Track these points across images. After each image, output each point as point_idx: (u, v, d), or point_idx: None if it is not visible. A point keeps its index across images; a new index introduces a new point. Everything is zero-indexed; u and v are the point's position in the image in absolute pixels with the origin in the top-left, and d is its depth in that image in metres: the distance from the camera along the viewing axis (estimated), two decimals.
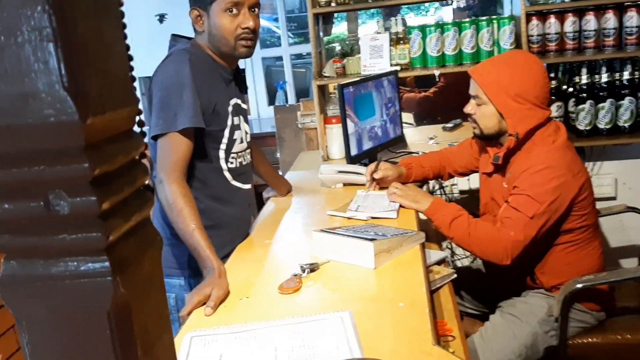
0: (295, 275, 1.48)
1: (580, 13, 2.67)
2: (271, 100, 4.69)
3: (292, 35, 5.86)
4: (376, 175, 2.13)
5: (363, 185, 2.24)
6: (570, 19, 2.66)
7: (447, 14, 7.12)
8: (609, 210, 2.55)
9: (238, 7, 1.65)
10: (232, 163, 1.78)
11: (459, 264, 2.98)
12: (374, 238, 1.52)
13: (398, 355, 1.10)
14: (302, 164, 2.87)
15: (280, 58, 4.73)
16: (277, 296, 1.40)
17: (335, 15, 4.36)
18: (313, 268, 1.51)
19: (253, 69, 4.63)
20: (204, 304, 1.36)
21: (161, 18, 4.50)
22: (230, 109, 1.76)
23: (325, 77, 2.84)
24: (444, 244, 3.00)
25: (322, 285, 1.44)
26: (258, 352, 1.15)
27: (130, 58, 0.60)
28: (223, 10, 1.65)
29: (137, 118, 0.60)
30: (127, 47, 0.60)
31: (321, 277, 1.49)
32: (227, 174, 1.78)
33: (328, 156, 2.82)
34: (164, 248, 1.61)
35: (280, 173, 3.02)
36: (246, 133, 1.85)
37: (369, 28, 4.82)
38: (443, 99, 3.38)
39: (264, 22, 6.39)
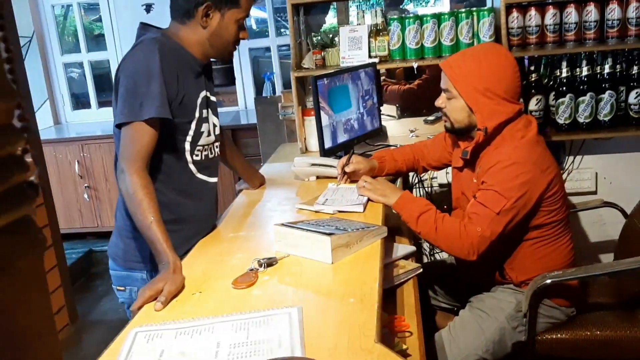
0: (252, 270, 1.46)
1: (561, 6, 2.64)
2: (258, 91, 4.66)
3: (286, 26, 5.81)
4: (347, 169, 2.11)
5: (335, 178, 2.22)
6: (550, 12, 2.63)
7: (446, 6, 7.06)
8: (585, 205, 2.54)
9: (244, 21, 1.74)
10: (197, 155, 1.76)
11: (438, 257, 2.97)
12: (332, 233, 1.50)
13: (339, 352, 1.08)
14: (281, 155, 2.85)
15: (268, 49, 4.70)
16: (230, 291, 1.39)
17: (333, 5, 4.34)
18: (270, 262, 1.49)
19: (240, 60, 4.60)
20: (156, 298, 1.35)
21: (148, 8, 4.46)
22: (199, 101, 1.73)
23: (304, 68, 2.81)
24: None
25: (278, 280, 1.43)
26: (200, 348, 1.14)
27: (9, 50, 0.58)
28: (236, 20, 1.69)
29: (18, 113, 0.58)
30: (5, 39, 0.58)
31: (278, 271, 1.47)
32: (192, 167, 1.76)
33: (306, 148, 2.80)
34: (126, 241, 1.59)
35: (262, 164, 3.00)
36: (214, 126, 1.83)
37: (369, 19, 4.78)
38: (427, 91, 3.35)
39: (259, 13, 6.35)
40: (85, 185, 4.26)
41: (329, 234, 1.48)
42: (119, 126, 1.59)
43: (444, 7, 7.66)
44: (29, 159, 0.63)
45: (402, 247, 1.96)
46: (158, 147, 1.63)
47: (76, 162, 4.23)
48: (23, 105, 0.59)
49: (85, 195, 4.27)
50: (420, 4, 9.69)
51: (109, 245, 1.82)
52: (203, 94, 1.77)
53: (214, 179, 1.86)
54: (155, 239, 1.48)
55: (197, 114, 1.72)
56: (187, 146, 1.72)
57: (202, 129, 1.75)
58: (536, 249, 1.94)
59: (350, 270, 1.45)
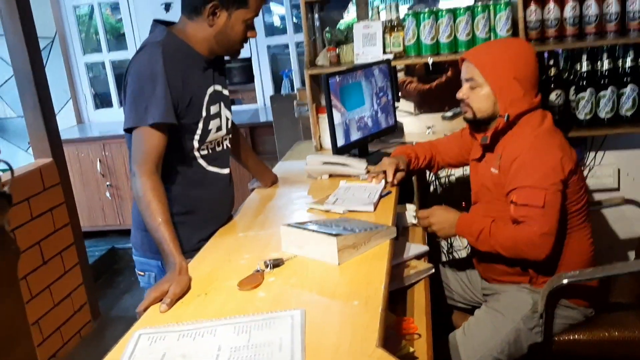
0: (258, 271, 1.46)
1: None
2: (277, 89, 4.66)
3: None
4: (389, 180, 2.08)
5: (348, 176, 2.21)
6: (570, 4, 2.56)
7: None
8: (608, 202, 2.48)
9: (252, 20, 1.73)
10: (204, 150, 1.77)
11: (456, 255, 2.93)
12: (339, 233, 1.49)
13: (339, 356, 1.07)
14: (296, 153, 2.84)
15: (287, 46, 4.69)
16: (236, 293, 1.38)
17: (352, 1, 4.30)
18: (277, 264, 1.49)
19: (259, 57, 4.60)
20: (162, 300, 1.35)
21: (167, 7, 4.49)
22: (206, 98, 1.73)
23: (319, 66, 2.80)
24: None
25: (283, 282, 1.42)
26: (201, 351, 1.14)
27: None
28: (244, 20, 1.68)
29: None
30: None
31: (284, 273, 1.46)
32: (202, 161, 1.78)
33: (321, 146, 2.79)
34: (142, 233, 1.62)
35: (278, 161, 3.00)
36: (227, 119, 1.83)
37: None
38: (446, 91, 3.29)
39: (280, 9, 6.33)
40: (107, 183, 4.32)
41: (336, 235, 1.47)
42: (127, 130, 1.61)
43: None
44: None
45: (415, 247, 1.94)
46: (167, 146, 1.64)
47: (98, 161, 4.29)
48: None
49: (107, 194, 4.33)
50: None
51: (131, 234, 1.87)
52: (211, 89, 1.77)
53: (225, 170, 1.87)
54: (163, 240, 1.50)
55: (204, 113, 1.72)
56: (195, 144, 1.74)
57: (209, 127, 1.76)
58: (557, 239, 1.91)
59: (357, 271, 1.43)
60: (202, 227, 1.78)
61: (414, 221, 2.14)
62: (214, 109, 1.77)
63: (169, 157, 1.67)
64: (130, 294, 3.83)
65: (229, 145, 1.90)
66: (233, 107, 5.08)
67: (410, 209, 2.16)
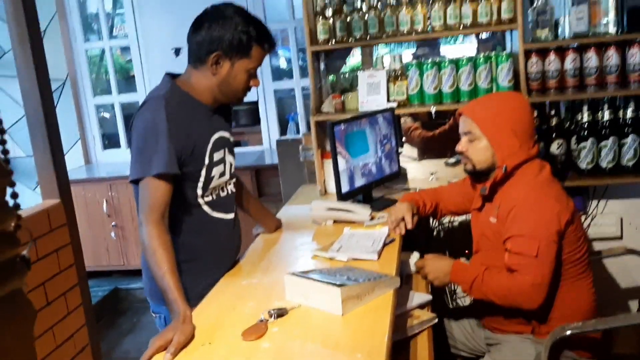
0: (262, 320, 1.47)
1: (581, 50, 2.63)
2: (283, 131, 4.72)
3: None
4: (409, 227, 2.12)
5: (353, 223, 2.23)
6: (570, 56, 2.63)
7: (474, 45, 7.11)
8: (609, 253, 2.49)
9: (255, 70, 1.78)
10: (208, 197, 1.81)
11: (459, 302, 2.92)
12: (343, 283, 1.50)
13: None
14: (301, 197, 2.87)
15: (293, 89, 4.78)
16: (239, 343, 1.39)
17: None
18: (281, 313, 1.50)
19: (265, 100, 4.68)
20: (166, 349, 1.36)
21: (177, 51, 4.60)
22: (209, 146, 1.78)
23: (324, 112, 2.85)
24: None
25: (287, 333, 1.43)
26: None
27: (2, 131, 0.61)
28: (246, 69, 1.73)
29: (11, 190, 0.61)
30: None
31: (288, 323, 1.47)
32: (206, 208, 1.81)
33: (326, 190, 2.82)
34: (152, 280, 1.62)
35: (283, 204, 3.02)
36: (230, 165, 1.87)
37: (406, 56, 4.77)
38: (449, 138, 3.34)
39: (287, 53, 6.46)
40: (113, 223, 4.35)
41: (340, 285, 1.48)
42: (133, 182, 1.66)
43: (473, 44, 7.73)
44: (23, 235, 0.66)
45: (418, 296, 1.94)
46: (172, 195, 1.68)
47: (104, 201, 4.33)
48: (14, 182, 0.62)
49: (112, 234, 4.35)
50: (449, 42, 9.80)
51: (143, 281, 1.90)
52: (215, 136, 1.81)
53: (230, 215, 1.89)
54: (168, 288, 1.52)
55: (206, 161, 1.77)
56: (199, 191, 1.78)
57: (212, 174, 1.79)
58: (559, 289, 1.93)
59: (360, 322, 1.44)
60: (207, 273, 1.80)
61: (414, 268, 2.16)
62: (217, 156, 1.81)
63: (173, 206, 1.71)
64: (132, 335, 3.81)
65: (234, 190, 1.93)
66: (238, 149, 5.14)
67: (414, 257, 2.18)
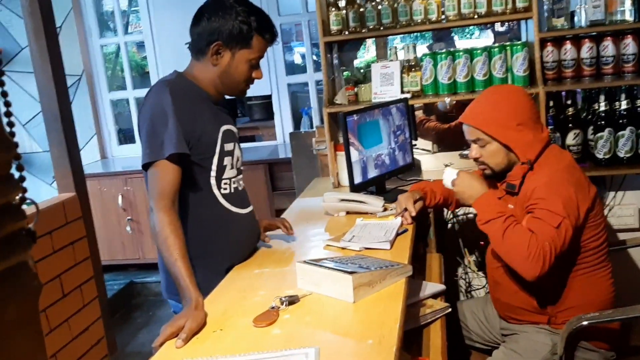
0: (273, 307, 1.46)
1: (597, 39, 2.59)
2: (297, 126, 4.72)
3: None
4: (413, 214, 2.09)
5: (365, 214, 2.22)
6: (587, 45, 2.59)
7: (491, 38, 7.05)
8: (627, 243, 2.45)
9: (258, 61, 1.76)
10: (225, 189, 1.80)
11: (475, 294, 2.90)
12: (355, 271, 1.49)
13: None
14: (314, 190, 2.86)
15: (307, 84, 4.77)
16: (250, 329, 1.39)
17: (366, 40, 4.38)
18: (292, 300, 1.49)
19: (279, 95, 4.68)
20: (177, 335, 1.37)
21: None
22: (220, 135, 1.77)
23: (337, 104, 2.84)
24: (460, 271, 2.94)
25: (298, 319, 1.42)
26: None
27: (8, 104, 0.61)
28: (247, 60, 1.72)
29: (17, 163, 0.61)
30: (3, 93, 0.61)
31: (299, 310, 1.47)
32: (223, 201, 1.80)
33: (339, 183, 2.81)
34: (167, 274, 1.59)
35: (297, 197, 3.01)
36: (238, 159, 1.87)
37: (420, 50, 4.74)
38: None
39: (300, 48, 6.46)
40: (128, 217, 4.38)
41: (351, 273, 1.47)
42: (144, 167, 1.66)
43: (489, 38, 7.65)
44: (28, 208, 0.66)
45: (431, 286, 1.93)
46: (186, 185, 1.68)
47: (120, 196, 4.36)
48: (19, 155, 0.62)
49: (128, 228, 4.38)
50: (465, 36, 9.70)
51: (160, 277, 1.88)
52: (225, 127, 1.81)
53: (246, 210, 1.88)
54: (179, 274, 1.51)
55: (217, 149, 1.76)
56: (213, 181, 1.76)
57: (224, 163, 1.79)
58: (575, 278, 1.91)
59: (372, 310, 1.43)
60: (222, 269, 1.78)
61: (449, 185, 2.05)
62: (228, 147, 1.81)
63: (190, 199, 1.71)
64: (147, 329, 3.84)
65: (244, 185, 1.93)
66: (252, 144, 5.14)
67: (450, 173, 2.03)
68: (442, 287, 1.96)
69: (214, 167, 1.75)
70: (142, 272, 4.42)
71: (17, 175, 0.62)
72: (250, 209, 1.91)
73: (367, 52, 7.07)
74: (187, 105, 1.68)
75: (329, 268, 1.53)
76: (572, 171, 1.90)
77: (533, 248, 1.73)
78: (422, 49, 3.13)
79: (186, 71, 1.78)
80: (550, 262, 1.74)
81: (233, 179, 1.83)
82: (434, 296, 1.90)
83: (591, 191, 1.89)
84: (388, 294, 1.51)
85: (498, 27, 5.91)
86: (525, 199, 1.89)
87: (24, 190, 0.62)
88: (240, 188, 1.86)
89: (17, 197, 0.61)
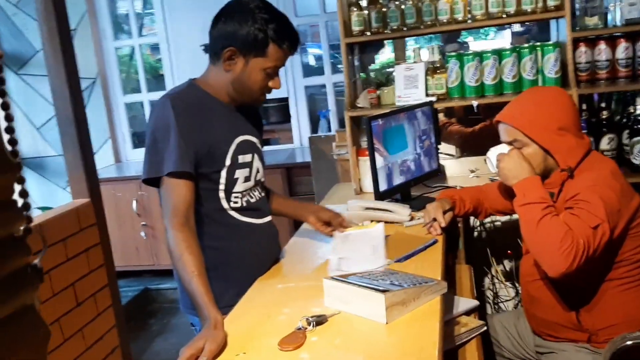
0: (299, 329, 1.37)
1: (633, 38, 2.47)
2: (314, 129, 4.63)
3: (341, 62, 5.78)
4: (443, 225, 1.99)
5: (391, 223, 2.12)
6: (622, 45, 2.47)
7: (507, 39, 6.88)
8: None
9: (276, 70, 1.66)
10: (236, 202, 1.71)
11: (502, 307, 2.78)
12: (387, 289, 1.39)
13: None
14: (335, 196, 2.77)
15: (324, 85, 4.68)
16: (276, 353, 1.29)
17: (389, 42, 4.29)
18: (320, 321, 1.39)
19: (296, 97, 4.58)
20: (197, 358, 1.27)
21: (206, 48, 4.52)
22: (232, 147, 1.69)
23: (359, 107, 2.74)
24: (487, 282, 2.82)
25: (327, 342, 1.32)
26: None
27: (10, 117, 0.52)
28: (262, 69, 1.62)
29: (20, 188, 0.52)
30: (4, 106, 0.52)
31: (328, 331, 1.37)
32: (233, 213, 1.72)
33: (361, 189, 2.71)
34: (182, 289, 1.51)
35: (315, 204, 2.91)
36: (257, 170, 1.78)
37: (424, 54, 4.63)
38: (490, 134, 3.18)
39: (315, 49, 6.37)
40: (143, 223, 4.31)
41: (383, 291, 1.37)
42: (145, 182, 1.62)
43: (505, 40, 7.50)
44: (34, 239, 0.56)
45: (464, 301, 1.82)
46: (195, 198, 1.61)
47: (134, 201, 4.29)
48: (23, 178, 0.52)
49: (143, 233, 4.31)
50: (480, 37, 9.53)
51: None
52: (241, 138, 1.72)
53: (262, 220, 1.80)
54: (197, 293, 1.44)
55: (227, 162, 1.68)
56: (222, 194, 1.68)
57: (235, 176, 1.70)
58: (617, 292, 1.79)
59: (407, 331, 1.33)
60: (238, 281, 1.70)
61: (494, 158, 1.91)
62: (243, 158, 1.72)
63: (198, 210, 1.63)
64: (162, 337, 3.76)
65: (263, 194, 1.83)
66: (268, 147, 5.05)
67: (497, 150, 1.91)
68: (475, 302, 1.85)
69: (222, 180, 1.67)
70: (157, 279, 4.34)
71: (20, 202, 0.52)
72: (268, 218, 1.82)
73: (382, 54, 6.95)
74: (194, 118, 1.61)
75: (359, 285, 1.43)
76: (617, 177, 1.78)
77: (567, 242, 1.60)
78: (424, 52, 2.97)
79: (201, 77, 1.71)
80: (580, 261, 1.60)
81: (245, 192, 1.74)
82: (467, 312, 1.79)
83: (635, 200, 1.77)
84: (423, 313, 1.41)
85: (516, 27, 5.76)
86: (563, 203, 1.77)
87: (29, 219, 0.52)
88: (253, 199, 1.77)
89: (21, 228, 0.52)
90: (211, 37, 1.66)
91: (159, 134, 1.58)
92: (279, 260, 1.89)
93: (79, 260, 3.00)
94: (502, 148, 1.89)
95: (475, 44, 8.02)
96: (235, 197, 1.71)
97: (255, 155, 1.76)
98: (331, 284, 1.49)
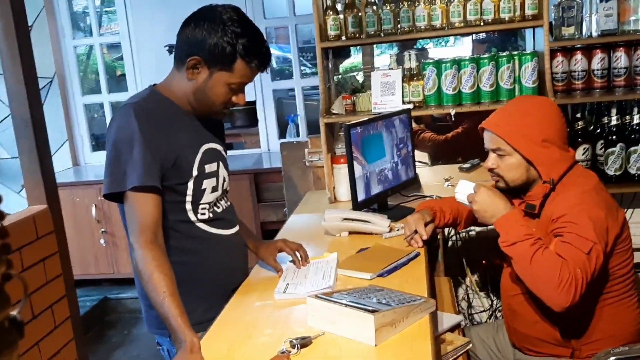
0: (283, 352, 1.28)
1: (609, 49, 2.47)
2: (282, 133, 4.53)
3: (309, 66, 5.70)
4: (425, 237, 1.93)
5: (370, 234, 2.05)
6: (598, 56, 2.47)
7: (467, 46, 6.92)
8: None
9: (241, 86, 1.57)
10: (203, 214, 1.62)
11: (477, 318, 2.75)
12: (376, 309, 1.32)
13: None
14: (308, 205, 2.68)
15: (292, 89, 4.59)
16: None
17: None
18: (305, 343, 1.31)
19: (264, 101, 4.48)
20: None
21: (170, 49, 4.38)
22: (199, 157, 1.59)
23: (334, 114, 2.67)
24: (461, 294, 2.78)
25: None
26: None
27: None
28: (226, 83, 1.53)
29: None
30: None
31: (313, 353, 1.29)
32: (201, 225, 1.62)
33: (335, 198, 2.63)
34: (145, 307, 1.42)
35: (285, 210, 2.83)
36: (224, 179, 1.69)
37: (384, 60, 4.58)
38: (464, 142, 3.17)
39: (279, 53, 6.27)
40: (102, 230, 4.12)
41: (373, 311, 1.30)
42: (106, 197, 1.50)
43: (465, 47, 7.54)
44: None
45: (448, 317, 1.76)
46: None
47: (93, 206, 4.10)
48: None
49: (102, 241, 4.13)
50: (439, 44, 9.61)
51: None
52: (206, 147, 1.63)
53: (231, 230, 1.71)
54: (171, 315, 1.35)
55: (195, 172, 1.58)
56: (189, 206, 1.59)
57: (203, 186, 1.61)
58: (602, 307, 1.76)
59: (397, 353, 1.26)
60: (207, 296, 1.62)
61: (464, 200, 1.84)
62: (209, 168, 1.63)
63: (164, 223, 1.53)
64: (122, 349, 3.60)
65: (229, 203, 1.74)
66: (234, 152, 4.91)
67: (465, 186, 1.83)
68: (459, 318, 1.80)
69: (189, 192, 1.57)
70: (117, 288, 4.17)
71: None
72: (235, 229, 1.73)
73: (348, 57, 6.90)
74: (159, 128, 1.50)
75: (346, 305, 1.35)
76: (600, 192, 1.75)
77: (565, 276, 1.56)
78: (384, 58, 2.90)
79: (163, 83, 1.61)
80: (582, 291, 1.58)
81: (212, 203, 1.65)
82: (451, 329, 1.73)
83: (620, 215, 1.75)
84: (412, 333, 1.34)
85: (477, 35, 5.78)
86: (548, 221, 1.74)
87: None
88: (220, 209, 1.68)
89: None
90: (177, 41, 1.55)
91: (122, 145, 1.46)
92: (249, 273, 1.80)
93: (35, 271, 2.83)
94: (467, 187, 1.82)
95: (436, 51, 8.07)
96: (203, 209, 1.61)
97: (221, 164, 1.68)
98: (316, 303, 1.41)
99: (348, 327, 1.33)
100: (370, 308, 1.32)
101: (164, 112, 1.55)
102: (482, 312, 2.72)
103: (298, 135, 4.37)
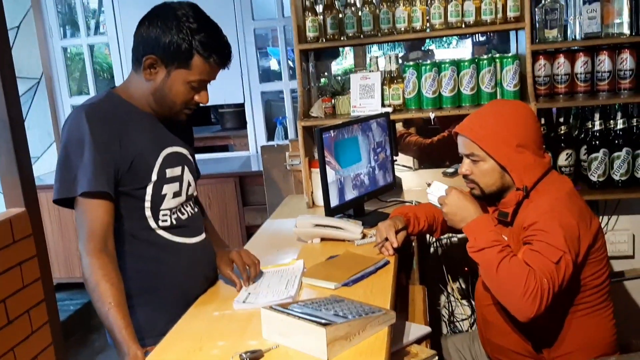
0: None
1: (592, 52, 2.42)
2: (270, 136, 4.49)
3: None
4: (395, 245, 1.88)
5: (342, 240, 2.01)
6: (581, 59, 2.41)
7: (468, 48, 6.88)
8: (634, 273, 2.27)
9: (202, 84, 1.51)
10: (165, 221, 1.56)
11: (458, 326, 2.70)
12: (330, 322, 1.27)
13: None
14: (287, 209, 2.64)
15: (282, 92, 4.55)
16: None
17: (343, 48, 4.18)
18: (255, 357, 1.26)
19: (252, 103, 4.44)
20: None
21: None
22: (159, 160, 1.54)
23: (312, 117, 2.62)
24: (442, 302, 2.73)
25: None
26: None
27: None
28: (186, 81, 1.48)
29: None
30: None
31: None
32: (162, 232, 1.57)
33: (313, 202, 2.58)
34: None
35: (268, 216, 2.78)
36: (188, 184, 1.63)
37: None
38: (448, 146, 3.11)
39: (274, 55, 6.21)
40: None
41: (325, 324, 1.25)
42: (57, 203, 1.45)
43: (467, 48, 7.50)
44: None
45: (415, 328, 1.71)
46: (118, 218, 1.47)
47: None
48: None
49: None
50: (442, 45, 9.56)
51: None
52: (168, 150, 1.58)
53: (196, 239, 1.65)
54: (115, 326, 1.31)
55: (154, 177, 1.53)
56: (148, 212, 1.53)
57: (163, 192, 1.55)
58: (575, 319, 1.71)
59: None
60: (170, 308, 1.56)
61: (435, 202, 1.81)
62: (171, 172, 1.58)
63: (124, 232, 1.50)
64: (105, 354, 3.55)
65: (195, 210, 1.69)
66: (223, 154, 4.84)
67: (437, 187, 1.80)
68: (427, 329, 1.74)
69: (148, 197, 1.52)
70: None
71: None
72: (202, 237, 1.67)
73: (345, 60, 6.85)
74: (112, 131, 1.46)
75: (299, 317, 1.31)
76: (574, 200, 1.70)
77: (531, 285, 1.52)
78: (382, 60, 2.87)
79: (122, 86, 1.57)
80: (548, 301, 1.53)
81: (175, 209, 1.59)
82: (419, 340, 1.68)
83: (593, 224, 1.69)
84: (368, 347, 1.29)
85: (477, 36, 5.75)
86: (520, 230, 1.69)
87: None
88: (185, 216, 1.62)
89: None
90: (134, 41, 1.50)
91: (72, 149, 1.42)
92: (216, 282, 1.75)
93: (12, 275, 2.78)
94: (439, 188, 1.79)
95: (438, 52, 8.02)
96: (164, 215, 1.56)
97: (186, 168, 1.62)
98: (269, 315, 1.36)
99: (301, 340, 1.29)
100: (324, 321, 1.28)
101: (120, 114, 1.50)
102: (463, 320, 2.67)
103: (286, 137, 4.32)
